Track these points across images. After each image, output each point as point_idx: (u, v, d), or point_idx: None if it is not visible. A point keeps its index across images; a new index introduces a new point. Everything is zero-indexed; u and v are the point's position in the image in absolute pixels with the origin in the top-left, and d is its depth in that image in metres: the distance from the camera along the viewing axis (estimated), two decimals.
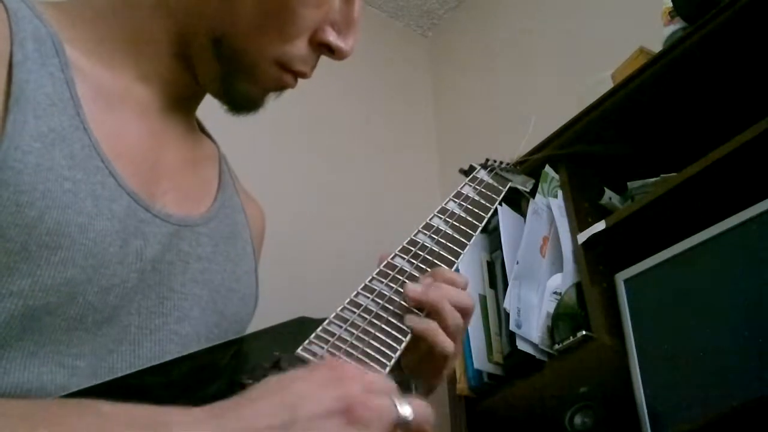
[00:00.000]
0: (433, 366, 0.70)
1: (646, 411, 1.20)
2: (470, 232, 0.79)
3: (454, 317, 0.68)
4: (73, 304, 0.57)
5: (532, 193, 1.51)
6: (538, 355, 1.36)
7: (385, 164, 2.26)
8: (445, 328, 0.67)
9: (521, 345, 1.36)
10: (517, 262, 1.42)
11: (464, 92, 2.41)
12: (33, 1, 0.65)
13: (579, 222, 1.42)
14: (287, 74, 0.72)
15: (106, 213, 0.60)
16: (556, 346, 1.33)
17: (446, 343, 0.67)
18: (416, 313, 0.66)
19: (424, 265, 0.71)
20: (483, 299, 1.49)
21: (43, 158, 0.57)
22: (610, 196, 1.45)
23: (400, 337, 0.62)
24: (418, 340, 0.66)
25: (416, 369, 0.70)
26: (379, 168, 2.24)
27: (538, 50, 2.15)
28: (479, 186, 0.88)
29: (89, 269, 0.58)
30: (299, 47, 0.70)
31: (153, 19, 0.70)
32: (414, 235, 0.75)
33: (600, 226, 1.37)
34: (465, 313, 0.69)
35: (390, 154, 2.29)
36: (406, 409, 0.51)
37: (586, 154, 1.49)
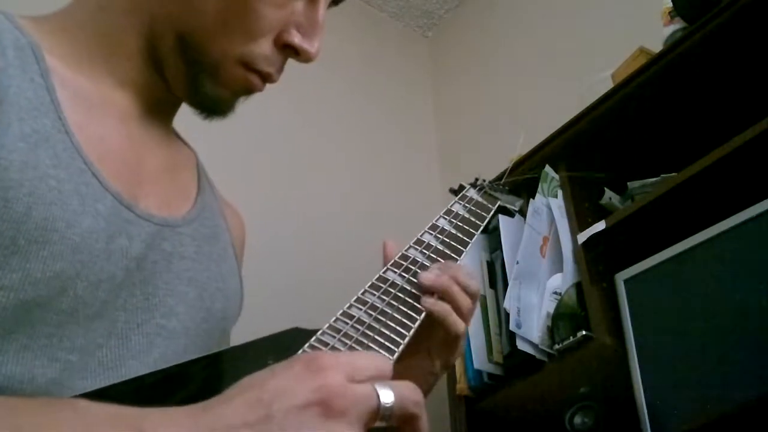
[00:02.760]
0: (448, 345, 0.77)
1: (646, 411, 1.20)
2: (460, 248, 0.81)
3: (464, 300, 0.74)
4: (64, 298, 0.59)
5: (532, 193, 1.51)
6: (538, 355, 1.36)
7: (385, 164, 2.26)
8: (456, 309, 0.73)
9: (521, 345, 1.36)
10: (517, 262, 1.42)
11: (464, 92, 2.41)
12: (12, 14, 0.67)
13: (579, 222, 1.42)
14: (252, 74, 0.72)
15: (91, 211, 0.62)
16: (556, 346, 1.33)
17: (458, 323, 0.74)
18: (431, 296, 0.72)
19: (416, 278, 0.73)
20: (483, 299, 1.49)
21: (28, 157, 0.58)
22: (610, 196, 1.45)
23: (387, 355, 0.62)
24: (431, 324, 0.72)
25: (434, 350, 0.77)
26: (379, 167, 2.24)
27: (538, 50, 2.15)
28: (469, 204, 0.91)
29: (77, 264, 0.59)
30: (263, 47, 0.71)
31: (122, 22, 0.71)
32: (406, 250, 0.77)
33: (600, 226, 1.37)
34: (472, 296, 0.76)
35: (390, 154, 2.29)
36: (387, 395, 0.51)
37: (585, 153, 1.50)
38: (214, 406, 0.49)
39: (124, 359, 0.63)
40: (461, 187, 0.98)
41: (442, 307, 0.72)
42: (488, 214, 0.92)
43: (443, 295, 0.73)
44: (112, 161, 0.67)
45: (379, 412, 0.50)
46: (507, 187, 1.08)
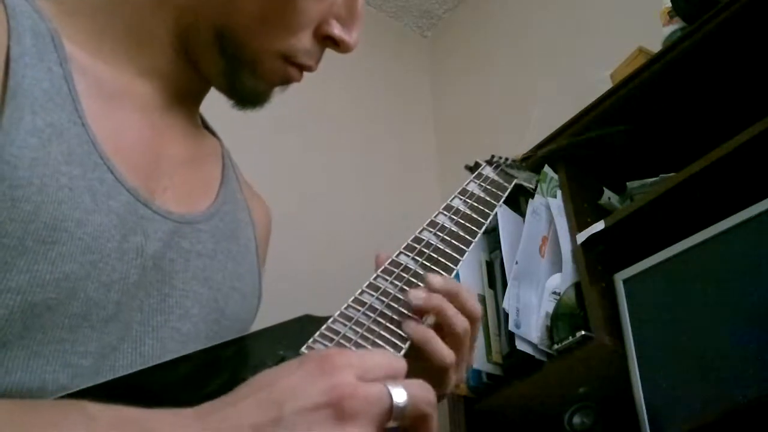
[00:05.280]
0: (434, 376, 0.63)
1: (645, 411, 1.20)
2: (475, 229, 0.78)
3: (460, 321, 0.65)
4: (74, 300, 0.57)
5: (531, 193, 1.51)
6: (537, 355, 1.36)
7: (383, 164, 2.26)
8: (450, 333, 0.65)
9: (520, 345, 1.36)
10: (516, 262, 1.42)
11: (463, 92, 2.41)
12: None
13: (578, 222, 1.42)
14: (292, 68, 0.71)
15: (104, 208, 0.60)
16: (555, 346, 1.33)
17: (444, 352, 0.63)
18: (416, 320, 0.63)
19: (429, 262, 0.70)
20: (482, 299, 1.49)
21: (39, 153, 0.56)
22: (609, 196, 1.44)
23: (399, 344, 0.61)
24: (419, 349, 0.63)
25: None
26: (378, 167, 2.24)
27: (536, 50, 2.15)
28: (484, 183, 0.88)
29: (88, 264, 0.57)
30: (303, 41, 0.70)
31: (154, 13, 0.69)
32: (419, 233, 0.74)
33: (599, 226, 1.37)
34: (471, 318, 0.67)
35: (389, 154, 2.29)
36: (400, 395, 0.50)
37: (586, 151, 1.49)
38: (222, 406, 0.48)
39: (136, 365, 0.61)
40: (477, 165, 0.94)
41: (425, 334, 0.62)
42: (504, 192, 0.88)
43: (435, 317, 0.64)
44: (130, 154, 0.65)
45: (392, 412, 0.49)
46: (524, 164, 1.04)
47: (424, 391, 0.52)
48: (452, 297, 0.65)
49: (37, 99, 0.58)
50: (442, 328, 0.65)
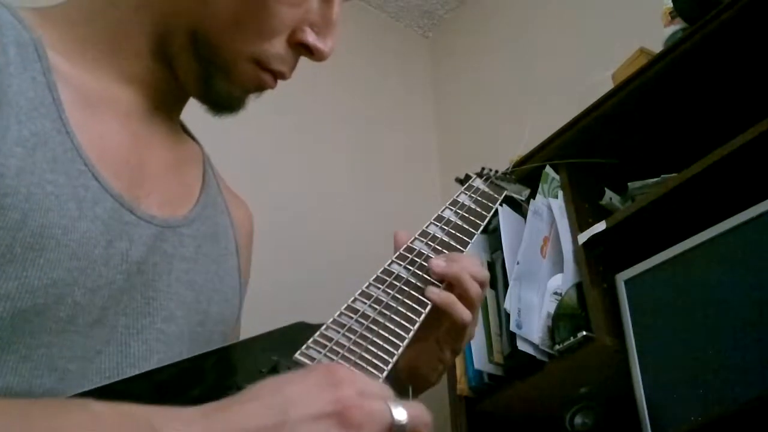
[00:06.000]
0: (455, 334, 0.77)
1: (646, 411, 1.20)
2: (466, 239, 0.81)
3: (473, 287, 0.75)
4: (62, 306, 0.58)
5: (533, 193, 1.51)
6: (538, 356, 1.36)
7: (384, 165, 2.26)
8: (465, 297, 0.75)
9: (522, 345, 1.36)
10: (518, 263, 1.42)
11: (464, 92, 2.41)
12: (15, 7, 0.65)
13: (579, 222, 1.42)
14: (265, 73, 0.72)
15: (90, 215, 0.61)
16: (557, 347, 1.33)
17: (464, 313, 0.75)
18: (437, 285, 0.73)
19: (421, 271, 0.73)
20: (483, 300, 1.49)
21: (26, 162, 0.57)
22: (610, 197, 1.45)
23: (386, 359, 0.62)
24: (439, 314, 0.73)
25: (441, 338, 0.78)
26: (379, 168, 2.24)
27: (538, 50, 2.15)
28: (475, 194, 0.90)
29: (75, 271, 0.58)
30: (277, 46, 0.70)
31: (132, 19, 0.70)
32: (411, 242, 0.77)
33: (600, 226, 1.37)
34: (482, 284, 0.77)
35: (390, 155, 2.29)
36: (400, 413, 0.51)
37: (586, 153, 1.50)
38: (228, 406, 0.49)
39: (122, 367, 0.62)
40: (467, 177, 0.97)
41: (447, 298, 0.73)
42: (494, 204, 0.91)
43: (453, 283, 0.74)
44: (114, 161, 0.66)
45: (392, 428, 0.51)
46: (514, 177, 1.07)
47: (422, 413, 0.54)
48: (465, 268, 0.76)
49: (22, 108, 0.59)
50: (457, 291, 0.75)
